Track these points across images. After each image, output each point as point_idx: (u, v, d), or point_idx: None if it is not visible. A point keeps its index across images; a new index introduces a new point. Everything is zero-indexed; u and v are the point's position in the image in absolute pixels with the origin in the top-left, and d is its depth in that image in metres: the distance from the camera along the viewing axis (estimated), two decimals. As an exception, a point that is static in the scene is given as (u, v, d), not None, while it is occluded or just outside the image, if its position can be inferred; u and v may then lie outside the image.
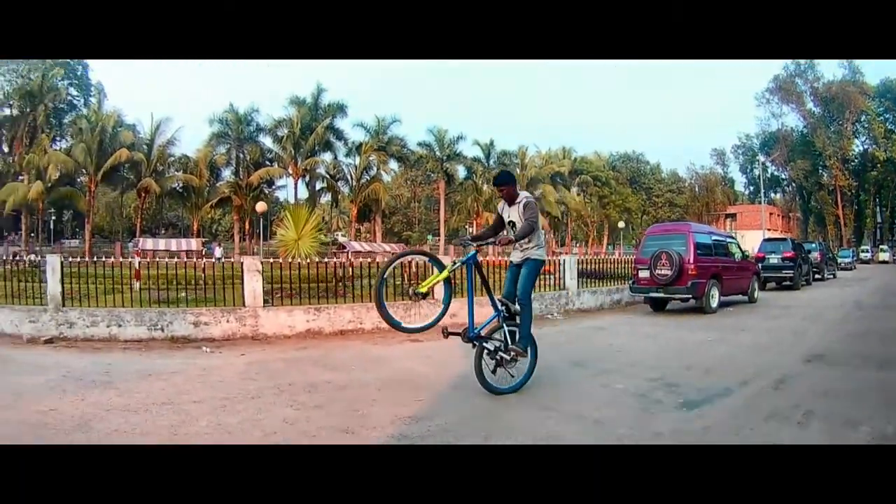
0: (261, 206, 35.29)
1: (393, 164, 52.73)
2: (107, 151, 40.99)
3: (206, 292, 13.09)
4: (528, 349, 6.67)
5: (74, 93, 52.35)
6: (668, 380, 7.06)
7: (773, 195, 72.15)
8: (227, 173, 49.11)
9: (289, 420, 5.71)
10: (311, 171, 47.42)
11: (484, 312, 6.57)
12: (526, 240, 6.76)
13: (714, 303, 13.89)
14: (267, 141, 49.33)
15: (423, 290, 6.44)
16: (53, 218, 52.14)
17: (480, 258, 7.03)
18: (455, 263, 6.62)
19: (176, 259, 15.14)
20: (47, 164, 39.88)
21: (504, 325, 6.62)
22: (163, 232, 56.11)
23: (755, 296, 16.32)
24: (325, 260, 13.60)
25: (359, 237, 55.51)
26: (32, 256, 16.71)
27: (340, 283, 12.71)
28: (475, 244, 6.60)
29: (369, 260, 16.08)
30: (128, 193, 51.23)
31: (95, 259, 12.74)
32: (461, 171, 55.51)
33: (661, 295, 13.91)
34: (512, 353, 6.49)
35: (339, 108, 48.03)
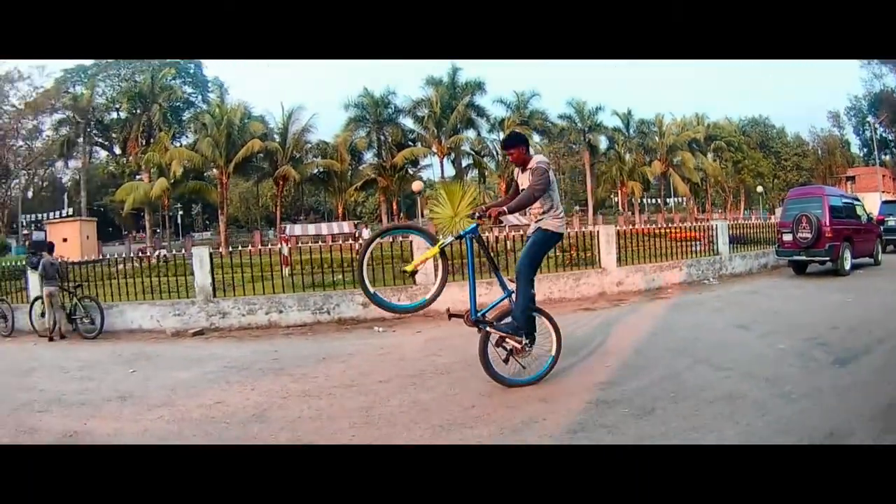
0: (417, 185, 35.90)
1: (536, 138, 51.08)
2: (236, 143, 41.53)
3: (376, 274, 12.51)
4: (530, 333, 5.99)
5: (189, 90, 53.77)
6: (820, 339, 7.10)
7: (883, 157, 67.14)
8: (368, 156, 49.09)
9: (485, 393, 5.69)
10: (457, 149, 47.07)
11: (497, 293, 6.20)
12: (539, 208, 6.12)
13: (847, 265, 13.97)
14: (407, 122, 49.14)
15: (410, 269, 6.19)
16: (181, 213, 53.30)
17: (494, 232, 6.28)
18: (447, 238, 6.08)
19: (321, 244, 14.44)
20: (170, 161, 40.64)
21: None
22: (302, 218, 56.90)
23: (879, 258, 16.15)
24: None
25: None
26: (162, 252, 16.56)
27: (498, 257, 11.88)
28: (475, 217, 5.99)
29: (521, 233, 14.97)
30: (264, 183, 52.49)
31: (240, 248, 13.19)
32: (603, 142, 54.19)
33: (803, 258, 14.14)
34: (518, 341, 5.92)
35: (478, 86, 47.22)
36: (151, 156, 41.27)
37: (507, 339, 5.91)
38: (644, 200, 62.39)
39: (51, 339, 11.41)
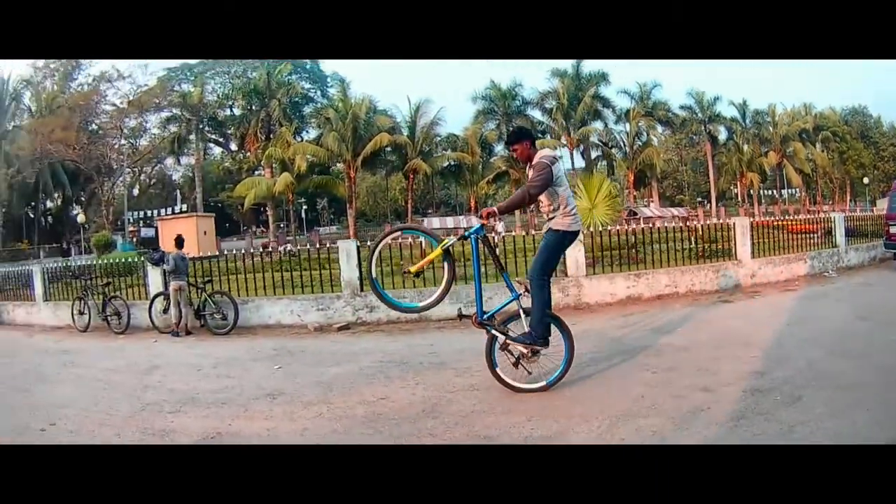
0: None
1: (659, 129, 52.77)
2: (363, 138, 42.44)
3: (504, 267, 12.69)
4: (546, 338, 5.84)
5: (307, 86, 54.77)
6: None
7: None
8: (498, 148, 49.48)
9: (650, 384, 5.75)
10: (586, 140, 47.85)
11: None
12: (548, 206, 5.98)
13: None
14: (535, 114, 50.21)
15: (414, 270, 6.11)
16: (304, 207, 54.16)
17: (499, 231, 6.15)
18: (450, 239, 6.02)
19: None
20: (293, 156, 41.59)
21: (521, 310, 5.89)
22: (431, 211, 58.53)
23: (977, 251, 15.63)
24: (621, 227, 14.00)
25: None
26: (287, 247, 16.69)
27: (633, 250, 13.05)
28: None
29: (659, 225, 16.15)
30: (393, 176, 53.76)
31: (369, 242, 12.81)
32: (722, 133, 54.72)
33: None
34: (527, 347, 5.81)
35: (602, 77, 48.03)
36: (273, 151, 42.32)
37: (514, 345, 5.86)
38: (761, 192, 61.81)
39: (176, 335, 11.39)
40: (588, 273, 11.33)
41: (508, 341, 5.84)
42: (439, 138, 48.66)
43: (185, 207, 45.80)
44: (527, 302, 5.81)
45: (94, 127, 44.67)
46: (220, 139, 55.28)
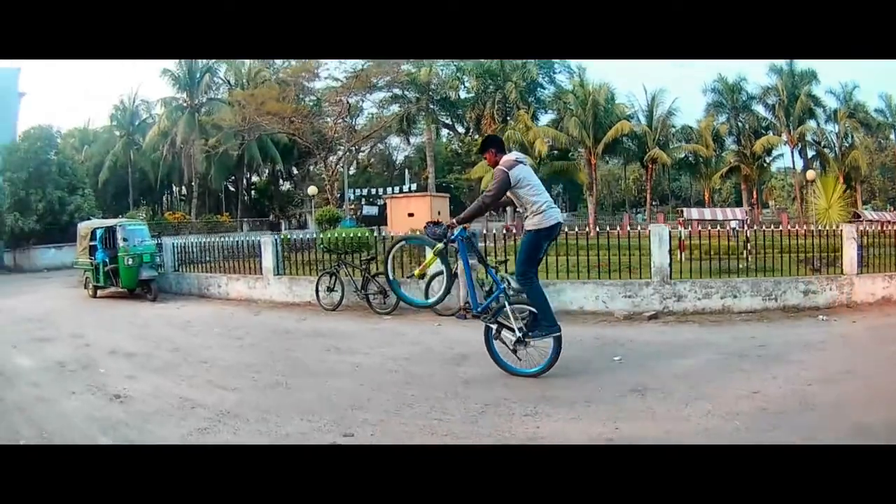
0: (810, 174, 35.85)
1: (862, 132, 48.92)
2: (603, 124, 43.02)
3: (757, 262, 13.66)
4: (548, 331, 6.64)
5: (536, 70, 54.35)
6: None
7: None
8: (728, 142, 50.07)
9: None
10: (802, 139, 46.33)
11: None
12: (521, 209, 6.83)
13: None
14: (759, 109, 49.47)
15: (418, 273, 7.56)
16: None
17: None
18: (439, 244, 6.84)
19: (706, 229, 16.85)
20: (533, 140, 42.23)
21: (507, 303, 6.71)
22: (657, 204, 58.78)
23: None
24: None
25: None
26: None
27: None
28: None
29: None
30: (630, 165, 54.48)
31: (608, 230, 13.00)
32: None
33: None
34: (521, 335, 6.64)
35: (812, 75, 46.46)
36: (511, 134, 42.88)
37: (504, 333, 6.78)
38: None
39: (462, 318, 10.61)
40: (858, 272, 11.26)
41: (500, 329, 6.87)
42: (674, 129, 48.65)
43: (414, 187, 46.97)
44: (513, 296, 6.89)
45: (310, 102, 46.08)
46: (448, 121, 56.91)
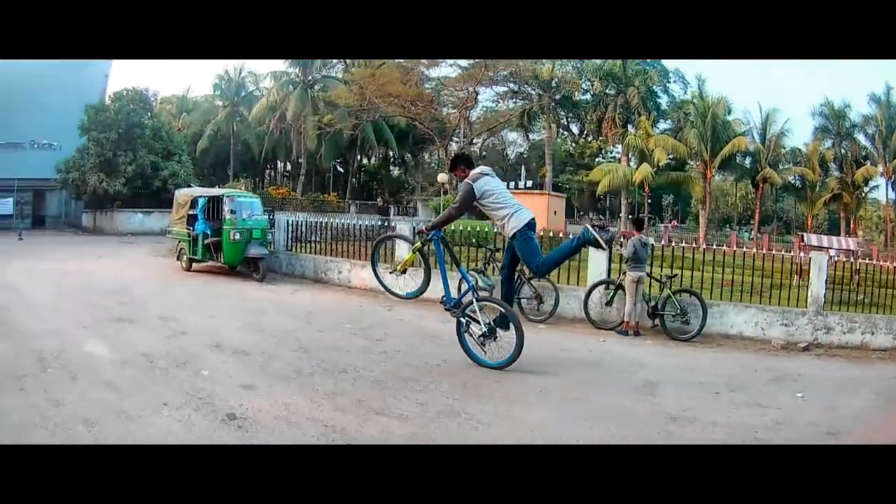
0: None
1: None
2: (720, 138, 42.15)
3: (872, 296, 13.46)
4: (502, 326, 7.46)
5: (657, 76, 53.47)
6: None
7: None
8: (831, 168, 48.02)
9: None
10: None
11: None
12: (497, 220, 7.48)
13: None
14: (860, 137, 47.54)
15: (400, 269, 7.89)
16: (648, 201, 53.88)
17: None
18: (416, 243, 7.74)
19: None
20: (653, 148, 41.75)
21: (474, 300, 7.42)
22: (751, 225, 56.47)
23: None
24: None
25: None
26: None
27: None
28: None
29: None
30: (741, 183, 53.14)
31: (716, 247, 13.06)
32: None
33: None
34: (486, 329, 7.35)
35: None
36: (632, 139, 43.00)
37: (472, 327, 7.48)
38: None
39: (624, 334, 10.63)
40: None
41: (470, 322, 7.55)
42: (784, 150, 47.44)
43: (529, 184, 46.65)
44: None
45: (427, 88, 45.72)
46: (565, 121, 56.29)
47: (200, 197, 17.25)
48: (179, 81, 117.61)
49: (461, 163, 7.75)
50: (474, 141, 54.76)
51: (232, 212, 15.69)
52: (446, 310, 7.72)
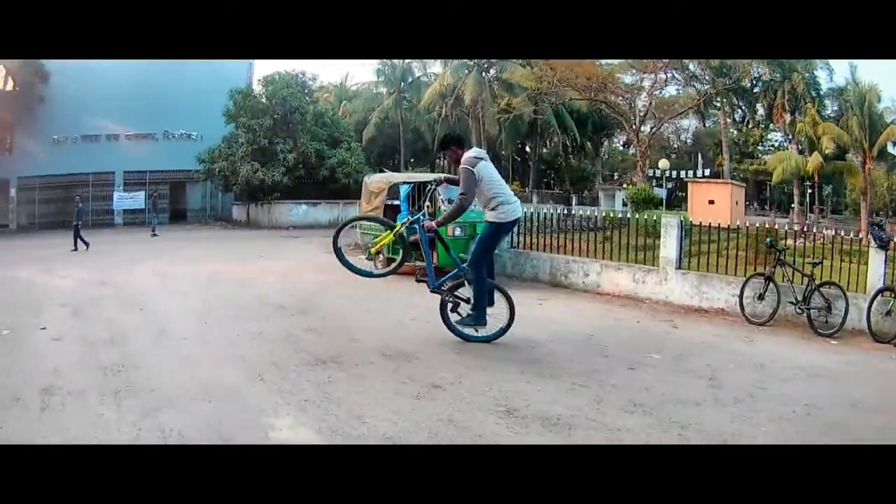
0: None
1: None
2: (876, 126, 40.21)
3: None
4: (488, 304, 7.53)
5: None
6: None
7: None
8: None
9: None
10: None
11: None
12: (481, 203, 7.55)
13: None
14: None
15: (374, 251, 8.17)
16: (809, 191, 51.51)
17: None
18: (398, 226, 7.71)
19: None
20: (820, 135, 40.43)
21: (466, 281, 7.60)
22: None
23: None
24: None
25: None
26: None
27: None
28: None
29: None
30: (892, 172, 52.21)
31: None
32: None
33: None
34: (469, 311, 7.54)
35: None
36: (802, 126, 41.77)
37: (461, 307, 7.62)
38: None
39: None
40: None
41: (457, 303, 7.65)
42: None
43: (707, 172, 44.61)
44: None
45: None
46: (727, 108, 54.11)
47: (404, 183, 14.75)
48: (336, 69, 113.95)
49: (452, 142, 7.75)
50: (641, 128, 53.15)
51: (448, 201, 12.69)
52: (432, 292, 7.77)
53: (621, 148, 64.33)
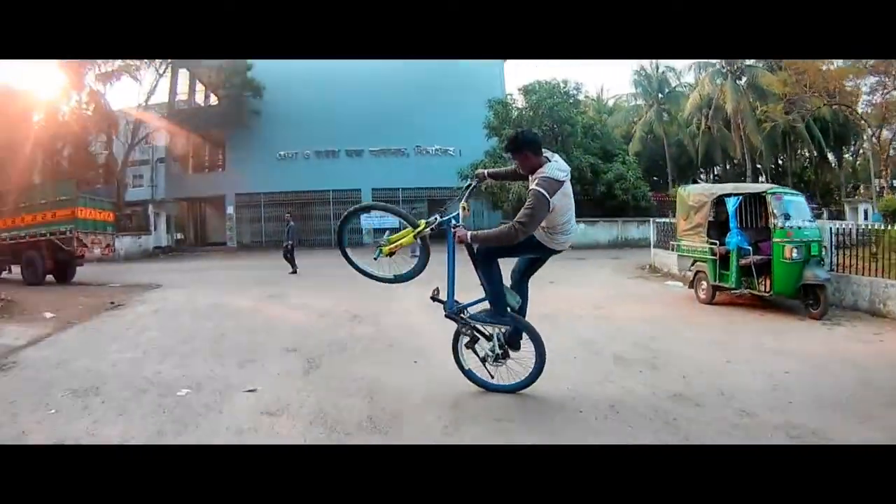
0: None
1: None
2: None
3: None
4: (511, 344, 6.24)
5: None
6: None
7: None
8: None
9: None
10: None
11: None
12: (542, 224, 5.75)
13: None
14: None
15: (387, 251, 6.33)
16: None
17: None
18: (424, 226, 6.12)
19: None
20: None
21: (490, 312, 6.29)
22: None
23: None
24: None
25: None
26: None
27: None
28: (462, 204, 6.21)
29: None
30: None
31: None
32: None
33: None
34: (498, 350, 6.21)
35: None
36: None
37: (478, 346, 6.24)
38: None
39: None
40: None
41: (475, 338, 6.17)
42: None
43: None
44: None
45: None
46: None
47: (730, 196, 12.50)
48: (591, 80, 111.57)
49: (526, 146, 5.73)
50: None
51: (785, 216, 11.36)
52: (446, 316, 6.27)
53: (850, 158, 59.23)
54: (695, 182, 48.38)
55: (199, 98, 47.54)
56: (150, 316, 12.26)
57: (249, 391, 6.61)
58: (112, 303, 14.00)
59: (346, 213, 6.86)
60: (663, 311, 11.67)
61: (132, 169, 44.92)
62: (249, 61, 34.45)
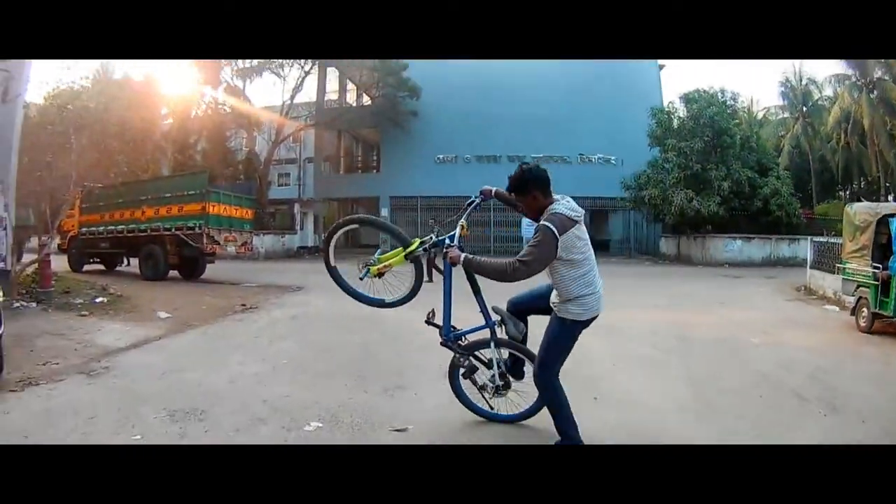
0: None
1: None
2: None
3: None
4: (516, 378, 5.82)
5: None
6: None
7: None
8: None
9: None
10: None
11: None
12: (561, 287, 5.03)
13: None
14: None
15: (374, 271, 5.74)
16: None
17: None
18: (419, 245, 5.59)
19: None
20: None
21: (493, 343, 5.73)
22: None
23: None
24: None
25: None
26: None
27: None
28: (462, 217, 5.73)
29: None
30: None
31: None
32: None
33: None
34: (499, 382, 5.75)
35: None
36: None
37: (479, 374, 5.76)
38: None
39: None
40: None
41: (474, 367, 5.68)
42: None
43: None
44: (501, 332, 5.66)
45: None
46: None
47: (894, 216, 11.56)
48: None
49: (536, 185, 5.00)
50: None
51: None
52: (442, 344, 5.73)
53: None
54: (837, 199, 48.66)
55: (351, 98, 48.43)
56: (286, 322, 11.73)
57: (397, 430, 5.70)
58: (243, 305, 13.70)
59: (332, 226, 6.39)
60: (827, 339, 10.80)
61: (278, 167, 47.04)
62: (405, 62, 35.14)
